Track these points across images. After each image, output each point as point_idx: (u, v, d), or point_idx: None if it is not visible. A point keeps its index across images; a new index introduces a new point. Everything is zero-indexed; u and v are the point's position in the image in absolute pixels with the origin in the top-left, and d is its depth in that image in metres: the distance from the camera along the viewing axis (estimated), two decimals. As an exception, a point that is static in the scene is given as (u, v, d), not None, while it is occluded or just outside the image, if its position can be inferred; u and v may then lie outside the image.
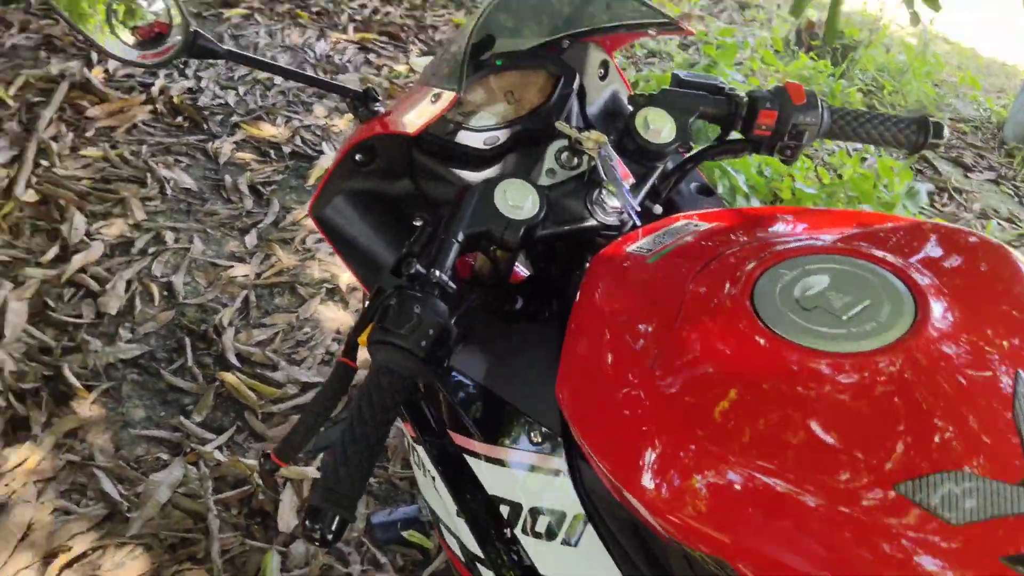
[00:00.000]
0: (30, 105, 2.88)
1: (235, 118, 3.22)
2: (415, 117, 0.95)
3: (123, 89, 3.21)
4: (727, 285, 0.67)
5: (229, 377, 2.03)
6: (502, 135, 1.05)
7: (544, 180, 0.97)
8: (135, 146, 2.86)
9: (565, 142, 0.99)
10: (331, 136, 3.27)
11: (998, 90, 5.68)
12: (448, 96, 0.92)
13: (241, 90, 3.44)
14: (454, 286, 0.79)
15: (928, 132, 1.03)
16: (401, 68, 3.91)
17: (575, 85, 1.11)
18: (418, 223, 1.04)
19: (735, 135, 1.08)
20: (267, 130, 3.19)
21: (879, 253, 0.68)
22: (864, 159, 3.96)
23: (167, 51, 0.97)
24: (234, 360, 2.09)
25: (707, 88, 1.05)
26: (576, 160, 0.98)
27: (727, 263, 0.71)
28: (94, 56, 3.33)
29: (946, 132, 1.05)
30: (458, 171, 1.04)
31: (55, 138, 2.75)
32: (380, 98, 1.15)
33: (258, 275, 2.41)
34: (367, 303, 0.79)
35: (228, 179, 2.81)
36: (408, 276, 0.78)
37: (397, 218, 1.07)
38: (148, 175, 2.71)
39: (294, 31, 4.07)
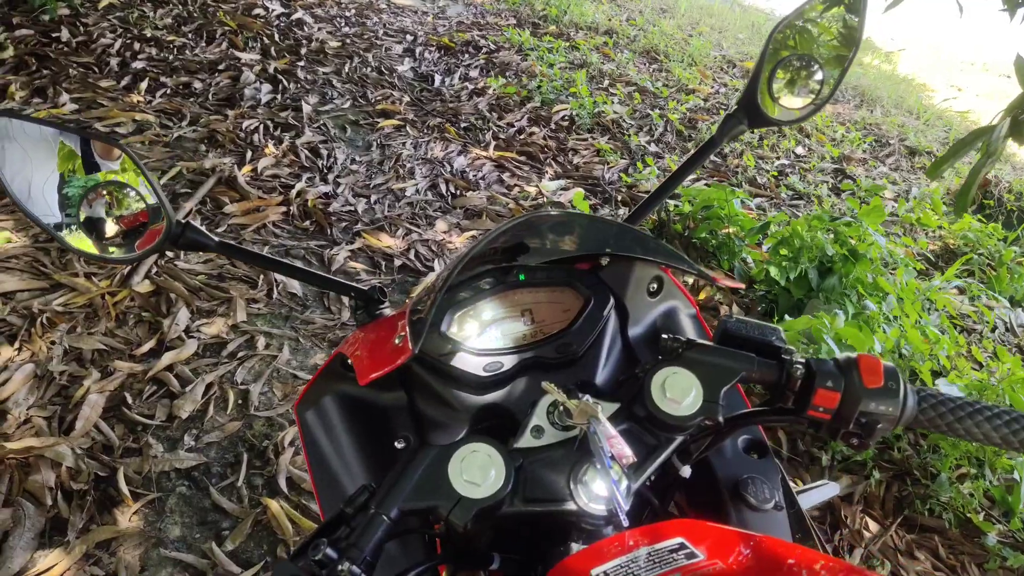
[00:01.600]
0: (175, 196, 3.11)
1: (359, 226, 3.32)
2: (373, 360, 0.85)
3: (265, 189, 3.41)
4: None
5: (273, 504, 1.98)
6: (507, 361, 0.92)
7: (528, 440, 0.82)
8: (259, 246, 2.99)
9: (562, 396, 0.83)
10: (445, 252, 3.29)
11: None
12: (404, 350, 0.82)
13: (373, 198, 3.56)
14: None
15: None
16: (531, 189, 3.93)
17: (607, 311, 0.97)
18: (400, 445, 0.93)
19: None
20: (385, 240, 3.25)
21: None
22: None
23: (148, 243, 0.93)
24: (283, 485, 2.04)
25: (757, 346, 0.85)
26: (570, 419, 0.82)
27: None
28: (248, 154, 3.60)
29: None
30: (456, 392, 0.92)
31: (188, 232, 2.92)
32: (385, 299, 1.06)
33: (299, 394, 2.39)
34: None
35: (333, 289, 2.86)
36: (313, 563, 0.64)
37: (381, 434, 0.96)
38: (261, 277, 2.81)
39: (438, 145, 4.21)
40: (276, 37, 4.92)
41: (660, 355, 0.85)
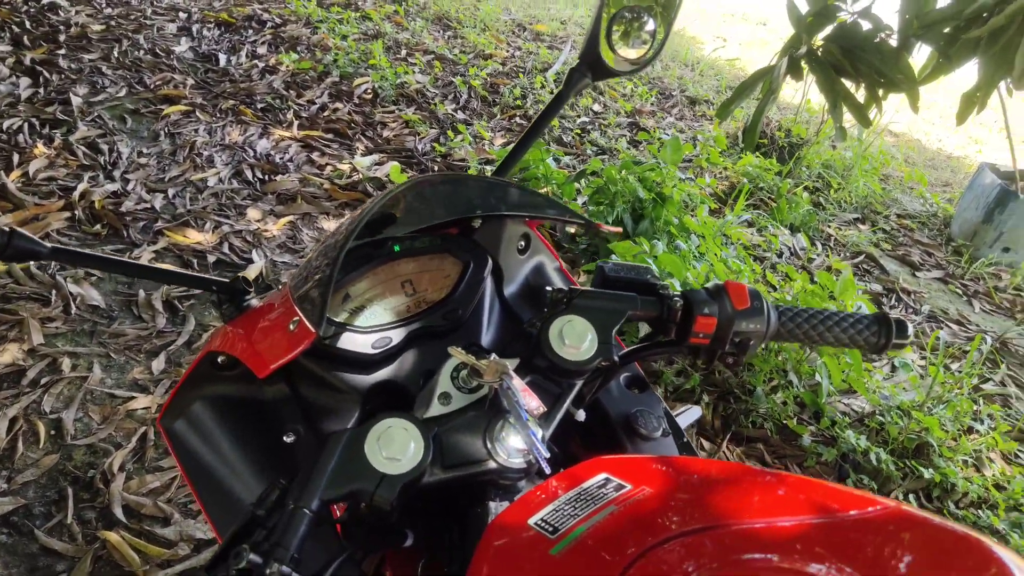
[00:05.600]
0: (-70, 215, 2.70)
1: (159, 224, 3.06)
2: (268, 350, 0.80)
3: (41, 194, 3.04)
4: None
5: (112, 536, 1.81)
6: (396, 335, 0.90)
7: (436, 408, 0.81)
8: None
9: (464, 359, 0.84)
10: (263, 242, 3.12)
11: (944, 184, 5.73)
12: (305, 336, 0.77)
13: (170, 192, 3.29)
14: None
15: (891, 332, 0.90)
16: (344, 167, 3.81)
17: (486, 272, 0.98)
18: (289, 439, 0.87)
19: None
20: (193, 236, 3.03)
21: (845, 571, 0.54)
22: (812, 259, 3.91)
23: None
24: (120, 514, 1.87)
25: (637, 286, 0.91)
26: (476, 381, 0.83)
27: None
28: (15, 157, 3.18)
29: (911, 330, 0.92)
30: (343, 375, 0.88)
31: (-46, 251, 2.55)
32: (251, 289, 0.99)
33: (160, 407, 2.20)
34: None
35: (142, 294, 2.63)
36: (237, 571, 0.59)
37: (267, 432, 0.89)
38: (53, 292, 2.52)
39: (235, 128, 3.96)
40: (28, 25, 4.37)
41: (548, 307, 0.88)
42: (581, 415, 0.91)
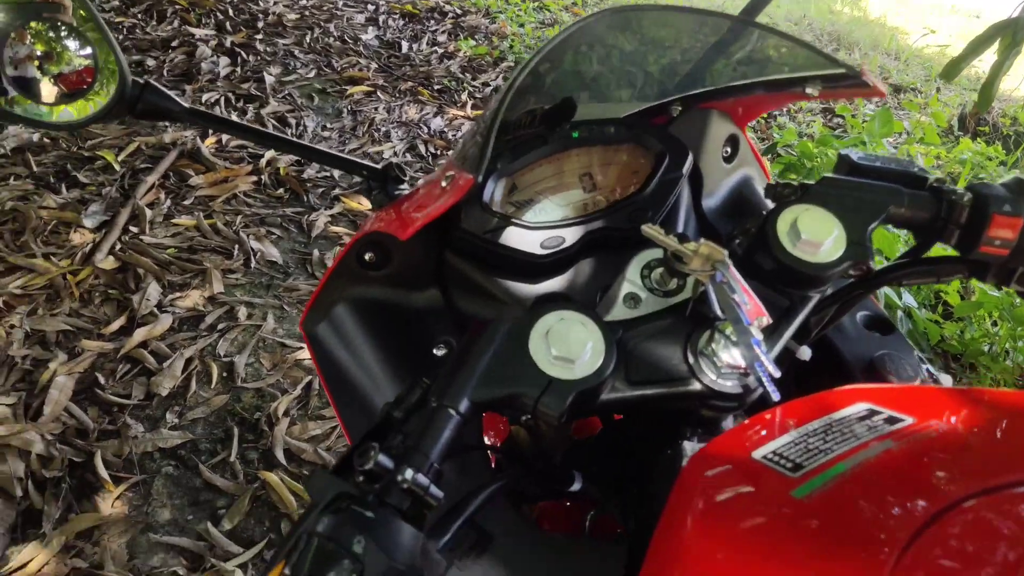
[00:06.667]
0: (135, 171, 2.88)
1: (336, 191, 3.10)
2: (414, 211, 0.67)
3: (232, 159, 3.18)
4: None
5: (271, 477, 1.78)
6: (570, 235, 0.72)
7: (620, 311, 0.64)
8: (230, 216, 2.77)
9: (658, 253, 0.66)
10: (433, 213, 3.08)
11: None
12: (461, 183, 0.62)
13: (349, 164, 3.34)
14: (439, 493, 0.47)
15: None
16: (515, 145, 3.73)
17: (686, 168, 0.78)
18: (440, 351, 0.72)
19: (941, 247, 0.70)
20: (366, 204, 3.04)
21: None
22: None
23: (97, 106, 0.73)
24: (281, 457, 1.85)
25: (897, 177, 0.68)
26: (675, 282, 0.65)
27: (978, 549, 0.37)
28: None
29: None
30: (505, 282, 0.73)
31: (152, 205, 2.70)
32: (405, 177, 0.86)
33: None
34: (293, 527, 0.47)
35: (316, 253, 2.65)
36: (362, 475, 0.47)
37: (415, 342, 0.76)
38: (236, 247, 2.60)
39: (412, 107, 4.00)
40: (231, 13, 4.66)
41: (770, 198, 0.68)
42: (806, 352, 0.68)
